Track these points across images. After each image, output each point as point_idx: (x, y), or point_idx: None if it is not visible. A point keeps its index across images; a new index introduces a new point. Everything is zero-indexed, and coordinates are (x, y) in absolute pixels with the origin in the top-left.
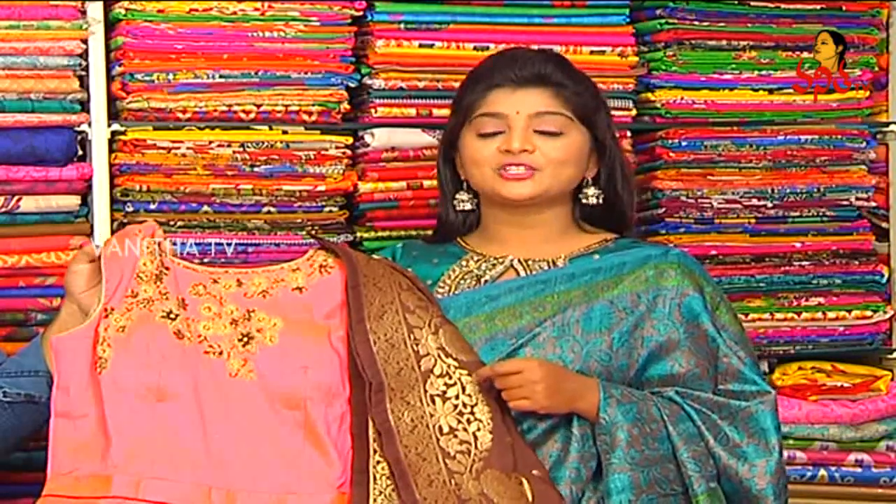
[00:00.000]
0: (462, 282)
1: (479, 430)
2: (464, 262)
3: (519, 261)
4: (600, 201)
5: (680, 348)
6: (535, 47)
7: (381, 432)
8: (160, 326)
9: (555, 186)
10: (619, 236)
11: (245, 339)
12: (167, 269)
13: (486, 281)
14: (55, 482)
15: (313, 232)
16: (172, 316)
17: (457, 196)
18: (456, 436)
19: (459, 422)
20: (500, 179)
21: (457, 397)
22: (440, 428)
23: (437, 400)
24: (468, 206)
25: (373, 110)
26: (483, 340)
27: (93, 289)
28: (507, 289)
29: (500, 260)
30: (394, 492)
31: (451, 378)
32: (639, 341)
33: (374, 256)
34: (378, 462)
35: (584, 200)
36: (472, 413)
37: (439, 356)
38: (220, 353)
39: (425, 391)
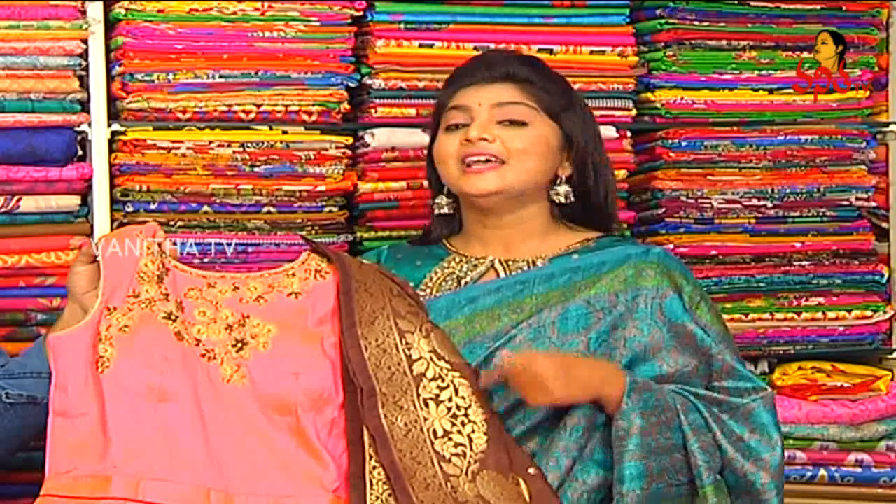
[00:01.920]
0: (444, 283)
1: (473, 431)
2: (446, 264)
3: (500, 261)
4: (569, 200)
5: (665, 348)
6: (513, 47)
7: (375, 437)
8: (162, 327)
9: (520, 181)
10: (601, 235)
11: (239, 344)
12: (168, 270)
13: (466, 282)
14: (53, 482)
15: (308, 234)
16: (173, 317)
17: (436, 200)
18: (451, 438)
19: (454, 424)
20: (464, 175)
21: (450, 400)
22: (434, 431)
23: (431, 403)
24: (445, 210)
25: (373, 110)
26: (462, 344)
27: (95, 289)
28: (486, 290)
29: (481, 261)
30: (391, 496)
31: (443, 381)
32: (620, 342)
33: (364, 261)
34: (374, 467)
35: (553, 198)
36: (465, 415)
37: (431, 359)
38: (214, 357)
39: (418, 395)
